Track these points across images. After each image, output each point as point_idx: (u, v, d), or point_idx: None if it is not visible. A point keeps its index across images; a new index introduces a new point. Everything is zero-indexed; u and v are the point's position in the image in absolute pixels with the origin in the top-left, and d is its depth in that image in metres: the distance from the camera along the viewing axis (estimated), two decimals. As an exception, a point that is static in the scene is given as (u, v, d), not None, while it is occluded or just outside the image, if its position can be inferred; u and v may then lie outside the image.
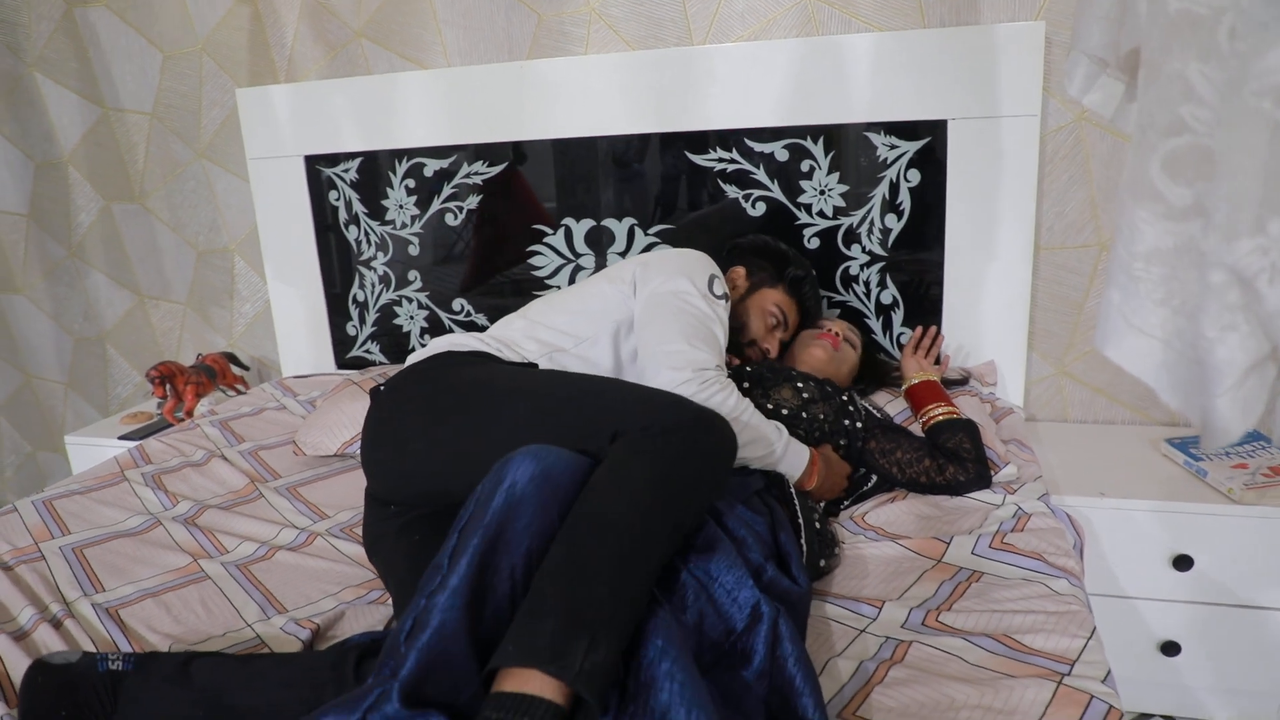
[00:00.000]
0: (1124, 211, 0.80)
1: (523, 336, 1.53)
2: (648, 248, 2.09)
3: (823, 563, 1.28)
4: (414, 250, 2.27)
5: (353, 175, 2.28)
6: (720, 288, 1.53)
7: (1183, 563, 1.60)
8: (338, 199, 2.31)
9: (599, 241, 2.12)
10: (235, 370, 2.46)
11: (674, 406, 1.16)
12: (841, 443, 1.53)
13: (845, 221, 1.97)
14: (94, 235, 2.72)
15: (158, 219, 2.62)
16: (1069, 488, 1.67)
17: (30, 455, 3.09)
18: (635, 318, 1.50)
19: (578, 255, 2.14)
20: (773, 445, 1.36)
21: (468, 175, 2.18)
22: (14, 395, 3.04)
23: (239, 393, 2.40)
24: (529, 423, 1.20)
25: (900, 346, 2.00)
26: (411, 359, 1.50)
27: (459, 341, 1.49)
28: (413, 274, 2.29)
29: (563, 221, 2.14)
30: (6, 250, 2.85)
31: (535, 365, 1.46)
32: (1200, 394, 0.75)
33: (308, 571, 1.38)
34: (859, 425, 1.55)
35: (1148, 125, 0.76)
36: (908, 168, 1.91)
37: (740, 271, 1.76)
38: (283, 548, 1.47)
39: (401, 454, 1.30)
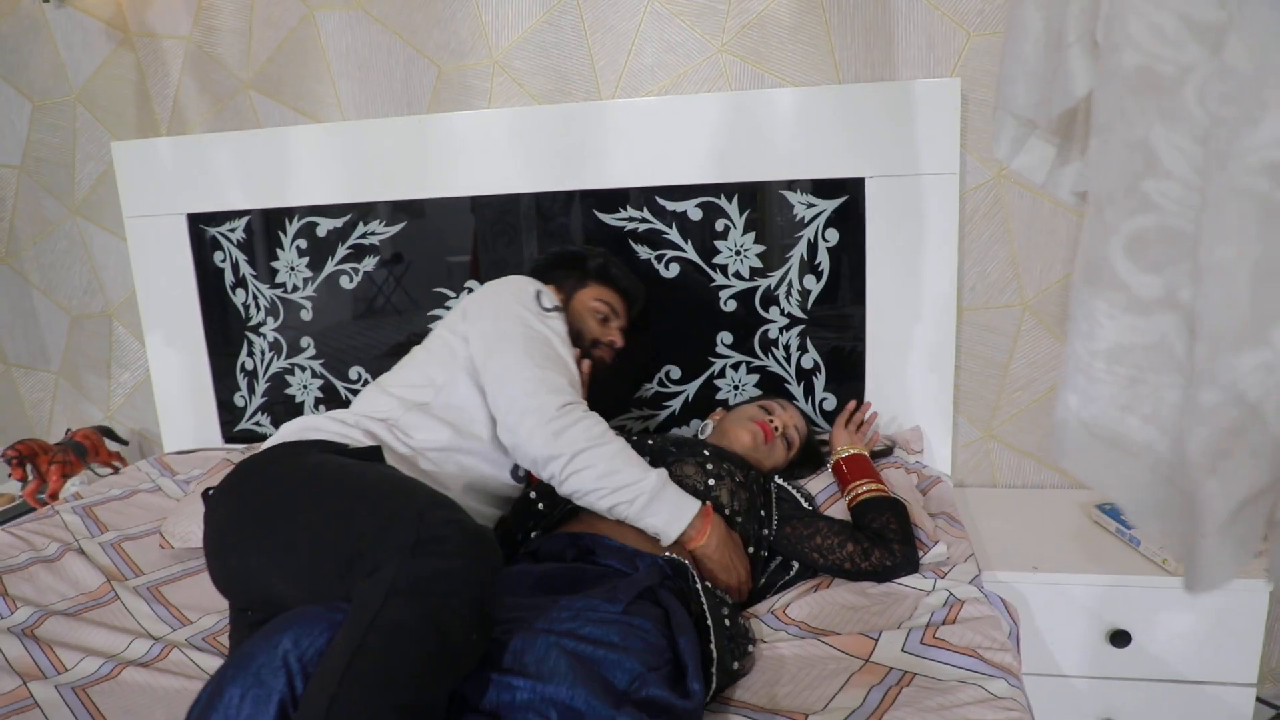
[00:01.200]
0: (1080, 302, 0.69)
1: (382, 404, 1.44)
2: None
3: (735, 665, 1.16)
4: (306, 315, 2.11)
5: (240, 235, 2.12)
6: (549, 300, 1.51)
7: (1120, 638, 1.53)
8: (223, 260, 2.14)
9: (505, 304, 1.99)
10: (111, 446, 2.25)
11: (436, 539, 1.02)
12: (752, 529, 1.42)
13: (763, 283, 1.88)
14: (-43, 298, 2.49)
15: (27, 280, 2.41)
16: (1000, 562, 1.59)
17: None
18: (475, 359, 1.42)
19: (483, 319, 2.01)
20: (638, 482, 1.30)
21: (364, 235, 2.04)
22: None
23: (115, 470, 2.19)
24: (310, 546, 1.11)
25: (824, 414, 1.91)
26: (257, 448, 1.40)
27: (310, 426, 1.37)
28: (305, 340, 2.13)
29: (466, 284, 2.01)
30: None
31: (378, 448, 1.32)
32: (1183, 527, 0.64)
33: (156, 693, 1.20)
34: (774, 520, 1.44)
35: (1104, 202, 0.65)
36: (825, 226, 1.83)
37: (549, 289, 1.66)
38: (132, 662, 1.28)
39: (226, 564, 1.20)
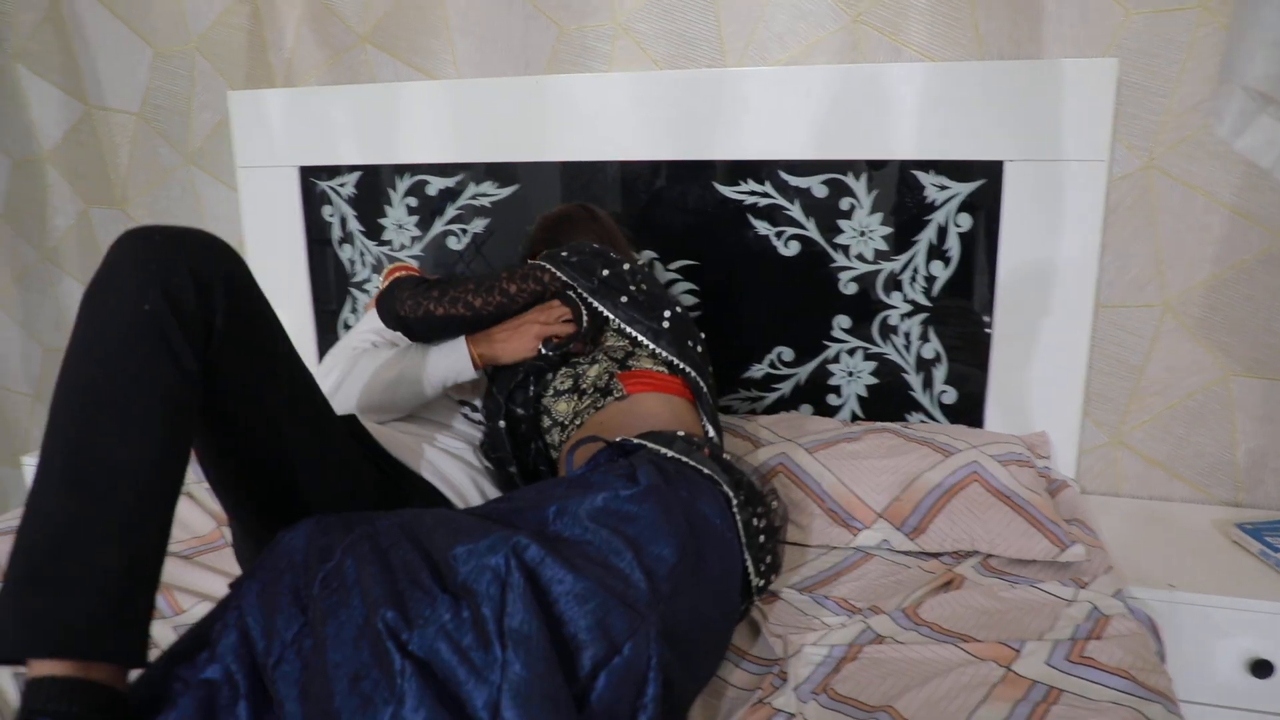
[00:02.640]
0: None
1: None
2: (669, 284, 1.92)
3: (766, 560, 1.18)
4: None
5: (350, 190, 2.10)
6: None
7: (1262, 669, 1.42)
8: (332, 215, 2.13)
9: (614, 275, 1.94)
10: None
11: None
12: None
13: (886, 267, 1.79)
14: (70, 240, 2.54)
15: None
16: (1131, 576, 1.49)
17: (-10, 470, 2.88)
18: None
19: (590, 289, 1.97)
20: (397, 366, 1.41)
21: (474, 196, 2.01)
22: (-26, 406, 2.84)
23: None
24: None
25: (943, 407, 1.82)
26: None
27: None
28: (409, 300, 2.11)
29: (576, 251, 1.96)
30: (-25, 252, 2.66)
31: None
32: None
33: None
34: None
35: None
36: (958, 211, 1.74)
37: None
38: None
39: None
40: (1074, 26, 1.69)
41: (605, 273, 1.43)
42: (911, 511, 1.46)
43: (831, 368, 1.87)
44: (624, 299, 1.42)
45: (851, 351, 1.85)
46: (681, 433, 1.23)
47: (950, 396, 1.82)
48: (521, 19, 1.96)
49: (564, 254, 1.45)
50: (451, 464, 1.39)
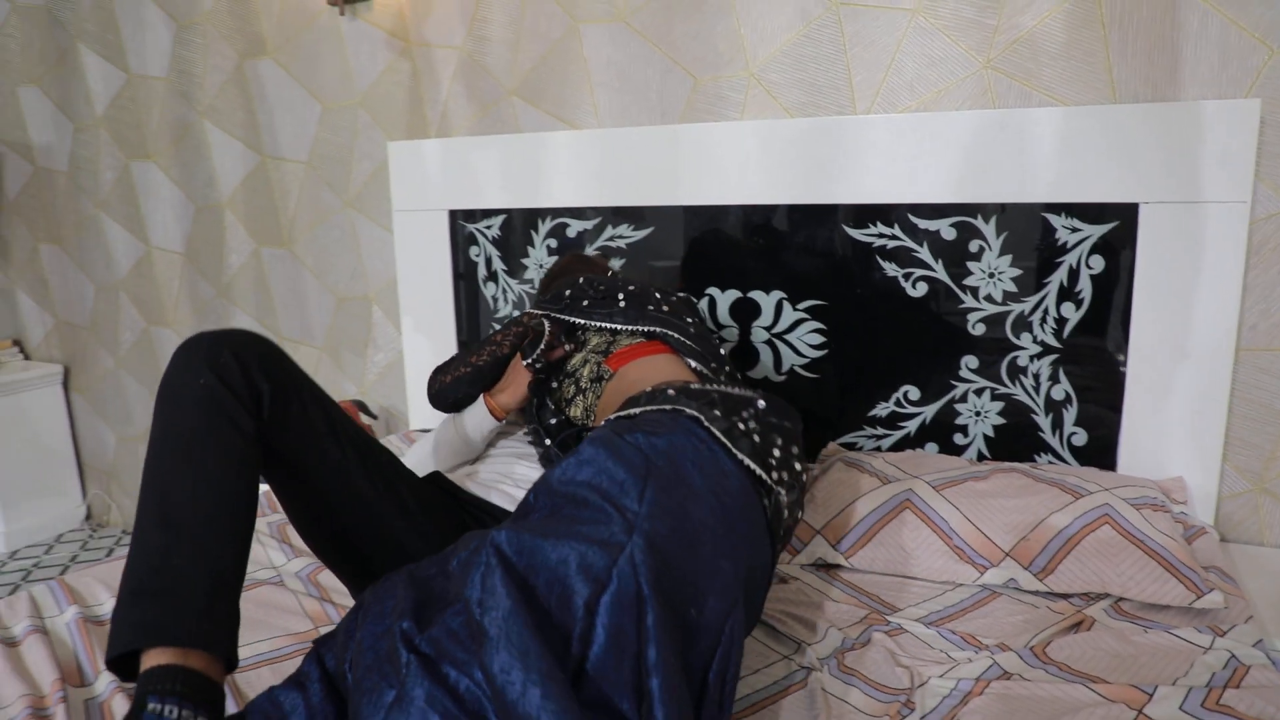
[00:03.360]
0: None
1: None
2: (796, 324, 1.98)
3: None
4: (550, 311, 2.22)
5: (495, 231, 2.26)
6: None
7: None
8: (478, 254, 2.29)
9: (745, 314, 2.02)
10: (364, 419, 2.45)
11: None
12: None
13: (1016, 308, 1.81)
14: (243, 277, 2.79)
15: (302, 264, 2.67)
16: (1275, 628, 1.45)
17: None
18: None
19: (721, 327, 2.05)
20: (443, 432, 1.70)
21: (612, 238, 2.12)
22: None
23: (366, 442, 2.39)
24: None
25: (1073, 449, 1.82)
26: None
27: None
28: (547, 335, 2.24)
29: (707, 290, 2.05)
30: (161, 286, 2.96)
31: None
32: None
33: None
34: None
35: None
36: (1090, 253, 1.74)
37: None
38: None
39: None
40: (1212, 68, 1.68)
41: (568, 292, 1.67)
42: (1040, 551, 1.46)
43: (958, 407, 1.89)
44: (586, 303, 1.64)
45: (979, 391, 1.87)
46: (649, 388, 1.26)
47: (1080, 438, 1.82)
48: (659, 72, 2.08)
49: (541, 296, 1.78)
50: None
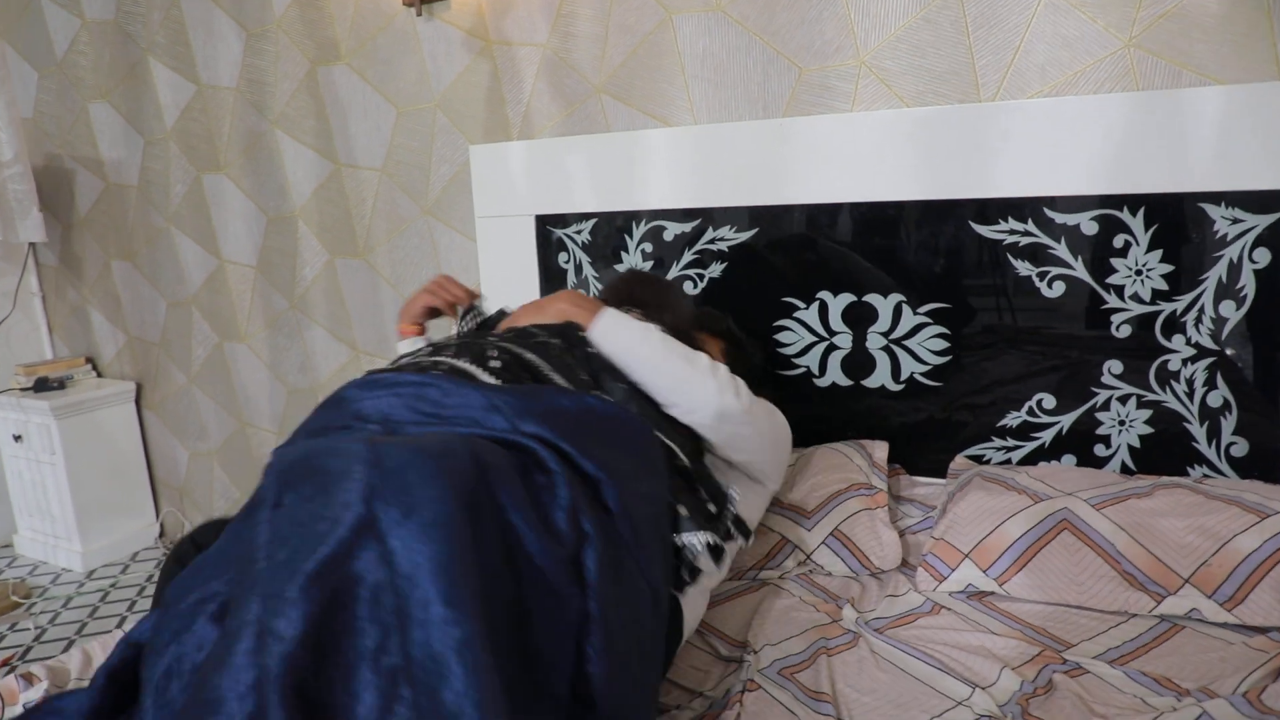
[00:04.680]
0: None
1: None
2: (916, 329, 1.84)
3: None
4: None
5: (585, 237, 2.15)
6: None
7: None
8: (567, 261, 2.18)
9: (859, 319, 1.89)
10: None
11: None
12: None
13: (1167, 308, 1.65)
14: (317, 289, 2.72)
15: (379, 274, 2.59)
16: None
17: (238, 501, 3.10)
18: None
19: (832, 333, 1.92)
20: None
21: (712, 240, 2.00)
22: (228, 440, 3.07)
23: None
24: None
25: (1231, 460, 1.66)
26: None
27: None
28: (643, 344, 2.13)
29: (818, 295, 1.92)
30: (235, 300, 2.90)
31: None
32: None
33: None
34: None
35: None
36: (1254, 246, 1.59)
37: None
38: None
39: None
40: (1392, 39, 1.52)
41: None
42: (1226, 579, 1.31)
43: (1099, 416, 1.74)
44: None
45: (1124, 399, 1.71)
46: None
47: (1240, 449, 1.66)
48: (760, 63, 1.96)
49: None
50: None
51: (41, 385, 3.07)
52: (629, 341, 1.34)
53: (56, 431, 2.97)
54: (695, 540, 1.12)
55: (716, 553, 1.15)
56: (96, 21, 2.93)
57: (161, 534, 3.33)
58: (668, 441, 1.22)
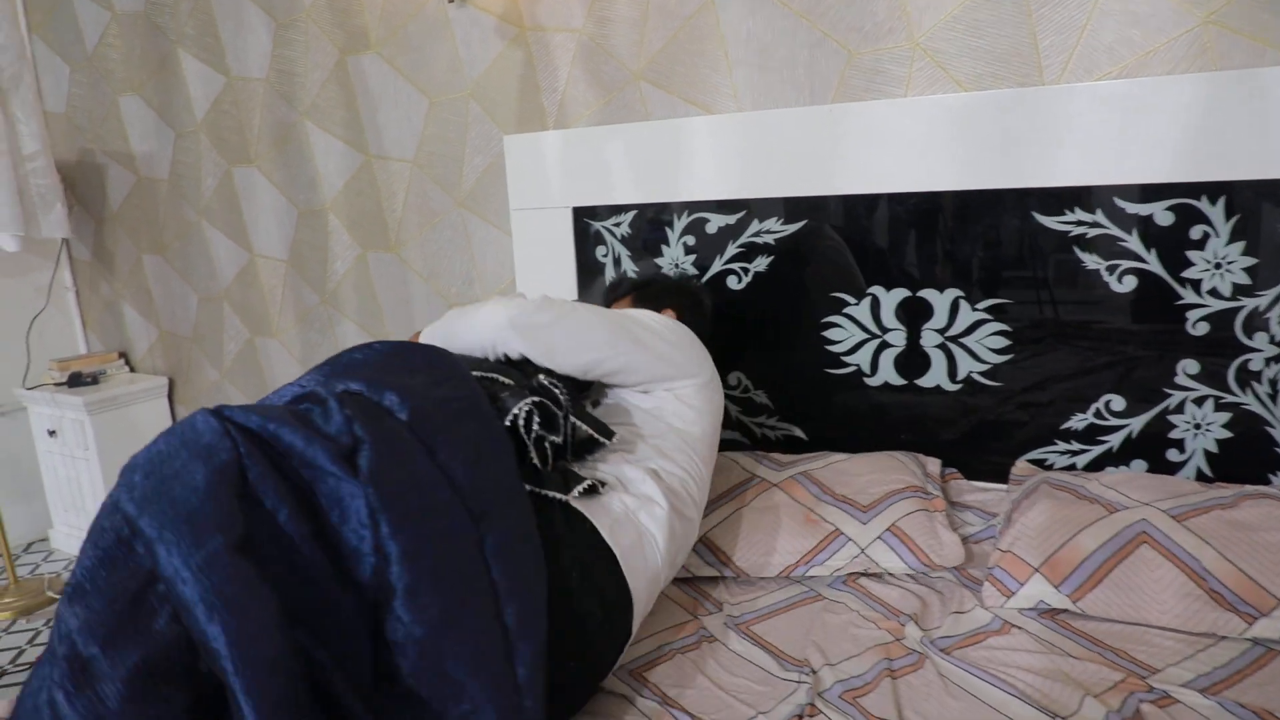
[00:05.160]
0: None
1: None
2: (975, 325, 1.75)
3: None
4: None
5: (624, 229, 2.07)
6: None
7: None
8: (605, 254, 2.11)
9: (913, 315, 1.80)
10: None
11: None
12: None
13: (1249, 303, 1.55)
14: (347, 283, 2.67)
15: (410, 269, 2.53)
16: None
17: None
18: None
19: (885, 330, 1.83)
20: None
21: (757, 233, 1.92)
22: (260, 439, 3.03)
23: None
24: None
25: (1318, 464, 1.55)
26: None
27: None
28: (684, 341, 2.05)
29: (869, 290, 1.83)
30: (267, 295, 2.86)
31: None
32: None
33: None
34: None
35: None
36: (1346, 236, 1.48)
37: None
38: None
39: None
40: None
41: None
42: (1325, 599, 1.22)
43: (1173, 419, 1.64)
44: None
45: (1199, 400, 1.61)
46: None
47: (1327, 454, 1.55)
48: (807, 46, 1.86)
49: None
50: None
51: (75, 380, 3.06)
52: (432, 339, 1.51)
53: (90, 427, 2.95)
54: (517, 409, 1.24)
55: (549, 421, 1.29)
56: (126, 14, 2.89)
57: (195, 530, 3.30)
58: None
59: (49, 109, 3.20)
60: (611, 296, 1.85)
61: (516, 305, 1.45)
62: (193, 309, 3.06)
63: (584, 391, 1.53)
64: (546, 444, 1.29)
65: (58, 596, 2.82)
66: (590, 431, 1.36)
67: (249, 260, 2.86)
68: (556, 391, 1.34)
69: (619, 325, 1.47)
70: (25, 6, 3.11)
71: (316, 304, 2.76)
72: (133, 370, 3.32)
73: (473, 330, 1.47)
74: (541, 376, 1.37)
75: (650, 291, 1.79)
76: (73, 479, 3.09)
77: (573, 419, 1.34)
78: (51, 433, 3.08)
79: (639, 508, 1.31)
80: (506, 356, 1.46)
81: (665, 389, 1.50)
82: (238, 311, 2.95)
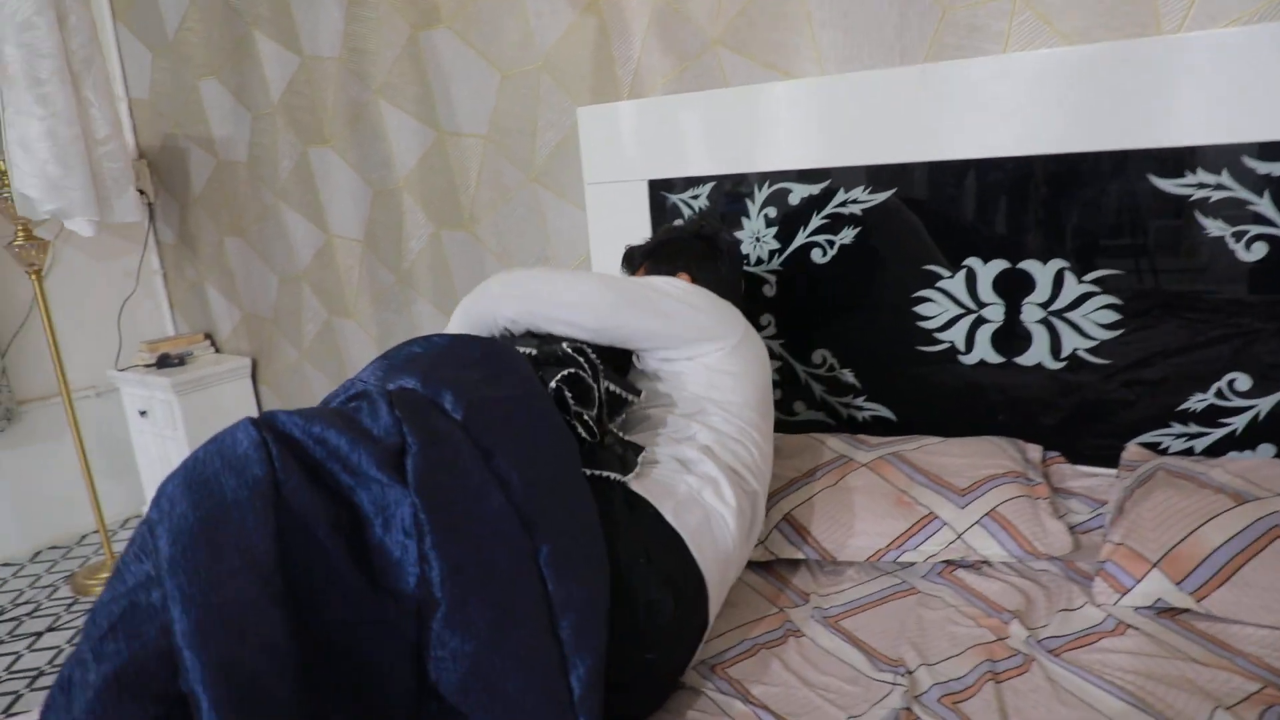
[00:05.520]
0: None
1: None
2: (1081, 299, 1.63)
3: None
4: (769, 290, 1.94)
5: (702, 202, 1.99)
6: None
7: None
8: (682, 230, 2.03)
9: (1013, 288, 1.68)
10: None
11: None
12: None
13: (1398, 271, 1.40)
14: (422, 262, 2.65)
15: (484, 246, 2.49)
16: None
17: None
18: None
19: (981, 305, 1.71)
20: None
21: (843, 203, 1.82)
22: (340, 418, 3.06)
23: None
24: None
25: None
26: None
27: None
28: (766, 318, 1.96)
29: (964, 263, 1.72)
30: (343, 275, 2.86)
31: None
32: None
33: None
34: None
35: None
36: None
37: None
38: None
39: None
40: None
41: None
42: None
43: (1306, 399, 1.49)
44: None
45: (1338, 378, 1.47)
46: None
47: None
48: (896, 4, 1.75)
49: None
50: None
51: (164, 362, 3.12)
52: (454, 328, 1.48)
53: (178, 407, 3.02)
54: (552, 380, 1.21)
55: (578, 388, 1.25)
56: (203, -3, 2.91)
57: (280, 508, 3.36)
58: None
59: (134, 96, 3.25)
60: (628, 270, 1.77)
61: (497, 279, 1.45)
62: (273, 290, 3.10)
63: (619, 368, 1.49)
64: (586, 417, 1.24)
65: (150, 572, 2.89)
66: (620, 390, 1.32)
67: (325, 241, 2.87)
68: (581, 359, 1.29)
69: (618, 285, 1.42)
70: (108, -6, 3.17)
71: (392, 284, 2.75)
72: (218, 351, 3.38)
73: (475, 303, 1.44)
74: (565, 345, 1.32)
75: (663, 255, 1.68)
76: (163, 457, 3.17)
77: (603, 380, 1.30)
78: (142, 413, 3.16)
79: (701, 487, 1.26)
80: (509, 332, 1.43)
81: (690, 358, 1.42)
82: (316, 292, 2.97)
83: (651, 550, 1.14)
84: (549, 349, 1.31)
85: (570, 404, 1.22)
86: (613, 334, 1.39)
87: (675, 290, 1.44)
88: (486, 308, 1.43)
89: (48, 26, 2.42)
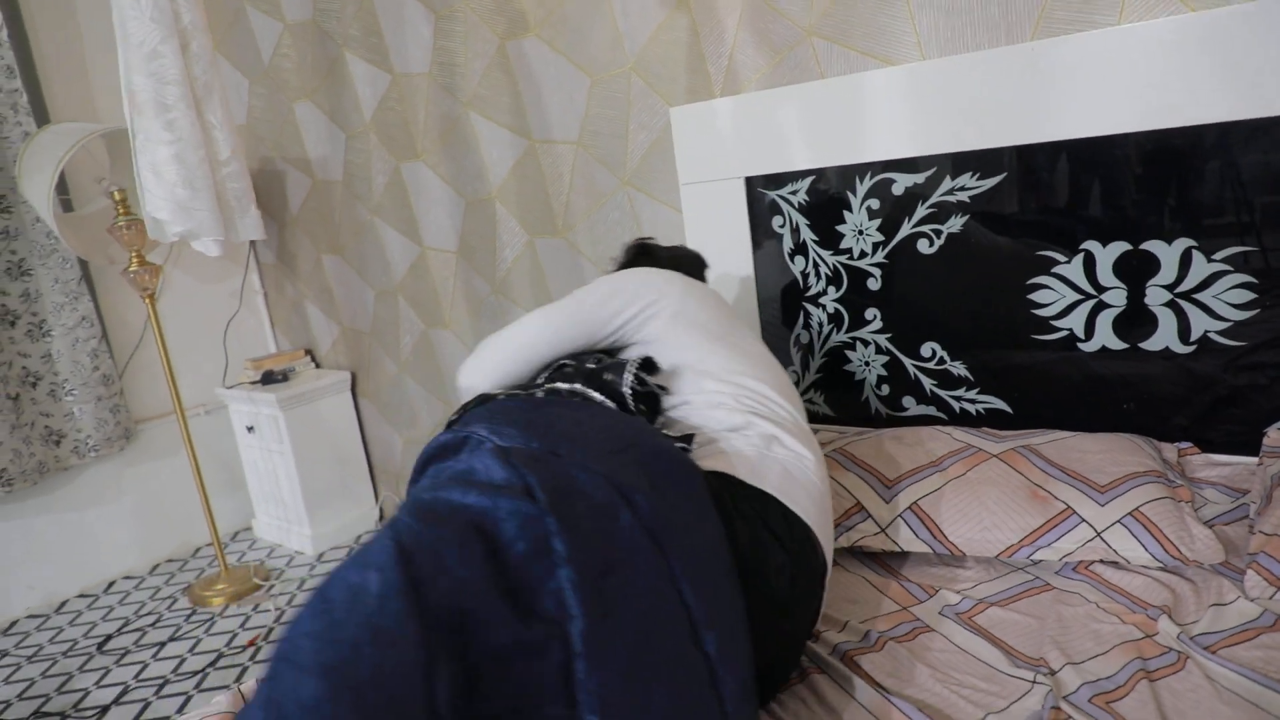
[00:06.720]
0: None
1: None
2: (1211, 278, 1.55)
3: None
4: (874, 284, 1.90)
5: (802, 197, 1.96)
6: None
7: None
8: (782, 225, 2.00)
9: (1135, 271, 1.61)
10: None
11: None
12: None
13: None
14: (517, 271, 2.68)
15: (580, 253, 2.50)
16: None
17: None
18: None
19: (1101, 290, 1.64)
20: None
21: (950, 191, 1.77)
22: (438, 428, 3.11)
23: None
24: None
25: None
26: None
27: None
28: (871, 312, 1.92)
29: (1081, 246, 1.65)
30: (438, 287, 2.91)
31: None
32: None
33: None
34: None
35: None
36: None
37: None
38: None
39: None
40: None
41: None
42: None
43: None
44: None
45: None
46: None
47: None
48: (999, -19, 1.69)
49: None
50: None
51: (268, 378, 3.22)
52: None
53: (284, 422, 3.11)
54: (624, 387, 1.28)
55: (643, 387, 1.30)
56: (296, 23, 3.00)
57: (381, 517, 3.44)
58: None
59: (233, 122, 3.37)
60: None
61: (523, 321, 1.52)
62: (370, 305, 3.17)
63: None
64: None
65: (262, 582, 2.98)
66: (653, 385, 1.35)
67: (420, 254, 2.92)
68: (609, 360, 1.36)
69: (554, 305, 1.50)
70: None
71: (488, 293, 2.78)
72: (318, 366, 3.48)
73: (464, 397, 1.47)
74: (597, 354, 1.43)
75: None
76: (270, 471, 3.27)
77: (640, 374, 1.34)
78: (250, 428, 3.26)
79: (764, 444, 1.26)
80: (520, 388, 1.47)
81: (652, 341, 1.46)
82: (412, 305, 3.02)
83: (747, 515, 1.12)
84: (588, 362, 1.38)
85: (629, 400, 1.27)
86: (574, 343, 1.47)
87: (593, 284, 1.52)
88: (462, 394, 1.50)
89: (172, 54, 2.53)
